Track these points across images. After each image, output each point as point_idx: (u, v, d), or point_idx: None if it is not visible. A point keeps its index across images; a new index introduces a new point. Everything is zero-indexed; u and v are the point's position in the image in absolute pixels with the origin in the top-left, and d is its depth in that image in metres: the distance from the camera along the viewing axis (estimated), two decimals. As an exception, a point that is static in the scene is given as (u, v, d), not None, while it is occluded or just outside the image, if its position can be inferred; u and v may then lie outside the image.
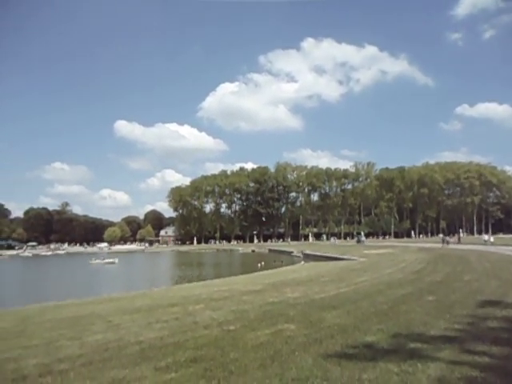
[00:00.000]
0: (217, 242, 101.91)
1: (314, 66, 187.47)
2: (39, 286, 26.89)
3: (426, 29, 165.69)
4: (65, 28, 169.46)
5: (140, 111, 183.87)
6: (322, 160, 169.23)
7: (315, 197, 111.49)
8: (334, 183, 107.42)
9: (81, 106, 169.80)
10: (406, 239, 77.82)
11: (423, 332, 5.32)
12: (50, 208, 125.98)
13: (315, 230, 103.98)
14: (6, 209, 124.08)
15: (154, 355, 4.70)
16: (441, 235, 54.39)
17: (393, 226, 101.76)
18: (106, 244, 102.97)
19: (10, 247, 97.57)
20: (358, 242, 56.39)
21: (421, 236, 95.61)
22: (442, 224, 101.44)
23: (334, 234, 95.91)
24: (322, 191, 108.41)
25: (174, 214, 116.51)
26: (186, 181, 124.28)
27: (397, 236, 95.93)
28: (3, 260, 64.95)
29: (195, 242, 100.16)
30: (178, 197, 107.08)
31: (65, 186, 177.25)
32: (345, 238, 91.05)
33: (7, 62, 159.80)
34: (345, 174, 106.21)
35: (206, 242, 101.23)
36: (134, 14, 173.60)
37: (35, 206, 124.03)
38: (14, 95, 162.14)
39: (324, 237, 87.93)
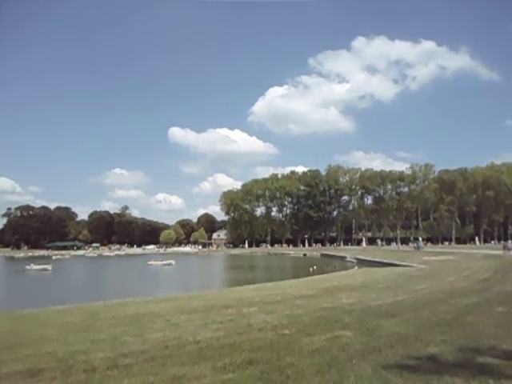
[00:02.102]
0: (268, 245, 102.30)
1: (366, 66, 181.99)
2: (105, 284, 28.71)
3: (489, 19, 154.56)
4: (120, 37, 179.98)
5: (192, 117, 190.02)
6: (376, 162, 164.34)
7: (369, 200, 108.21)
8: (389, 186, 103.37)
9: (138, 115, 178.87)
10: (469, 245, 72.83)
11: (494, 346, 4.93)
12: (111, 211, 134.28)
13: (369, 234, 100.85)
14: (73, 212, 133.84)
15: (211, 355, 4.81)
16: (503, 242, 50.46)
17: (454, 232, 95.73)
18: (152, 246, 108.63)
19: (77, 248, 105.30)
20: (416, 247, 53.74)
21: (486, 242, 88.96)
22: (511, 229, 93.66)
23: (389, 239, 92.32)
24: (376, 194, 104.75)
25: (225, 218, 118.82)
26: (236, 185, 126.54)
27: (459, 242, 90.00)
28: (67, 259, 69.79)
29: (247, 245, 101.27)
30: (229, 200, 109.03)
31: (124, 191, 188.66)
32: (401, 244, 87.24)
33: (72, 70, 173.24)
34: (400, 177, 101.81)
35: (258, 246, 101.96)
36: (185, 21, 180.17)
37: (98, 210, 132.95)
38: (79, 107, 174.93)
39: (378, 242, 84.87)
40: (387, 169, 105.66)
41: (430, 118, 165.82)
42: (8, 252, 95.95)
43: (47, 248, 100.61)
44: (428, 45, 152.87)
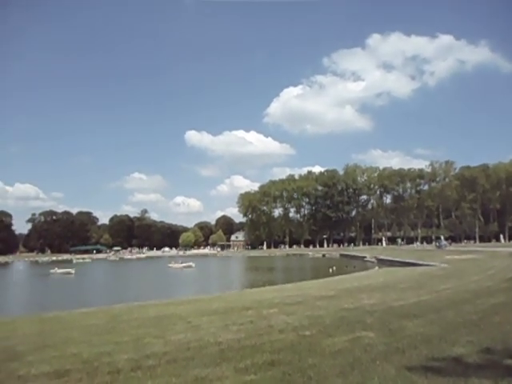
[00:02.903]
0: (286, 246, 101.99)
1: (382, 63, 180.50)
2: (127, 287, 29.19)
3: (509, 10, 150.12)
4: (135, 45, 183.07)
5: (208, 121, 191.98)
6: (394, 160, 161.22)
7: (388, 199, 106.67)
8: (409, 184, 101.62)
9: (155, 121, 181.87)
10: (493, 243, 70.84)
11: (523, 347, 4.78)
12: (131, 215, 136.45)
13: (389, 234, 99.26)
14: (95, 216, 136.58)
15: (232, 356, 4.82)
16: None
17: (477, 230, 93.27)
18: (167, 248, 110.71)
19: (98, 251, 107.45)
20: (438, 246, 52.63)
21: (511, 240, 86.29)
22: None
23: (409, 239, 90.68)
24: (396, 193, 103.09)
25: (243, 219, 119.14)
26: (253, 186, 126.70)
27: (482, 240, 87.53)
28: (89, 263, 71.18)
29: (265, 246, 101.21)
30: (246, 202, 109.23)
31: (143, 195, 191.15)
32: (422, 243, 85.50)
33: (90, 80, 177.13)
34: (420, 174, 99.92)
35: (276, 247, 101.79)
36: (198, 24, 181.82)
37: (118, 214, 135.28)
38: (99, 116, 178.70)
39: (399, 241, 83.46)
40: (406, 167, 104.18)
41: (449, 114, 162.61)
42: (33, 256, 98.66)
43: (70, 252, 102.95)
44: (446, 39, 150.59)
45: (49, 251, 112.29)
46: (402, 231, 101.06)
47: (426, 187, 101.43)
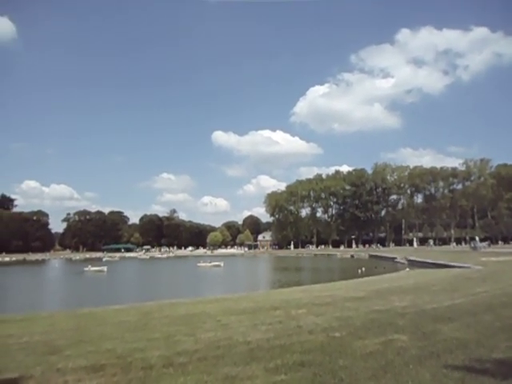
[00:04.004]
0: (314, 246, 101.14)
1: (412, 59, 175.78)
2: (157, 285, 29.87)
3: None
4: (163, 51, 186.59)
5: (234, 121, 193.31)
6: (425, 159, 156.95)
7: (419, 199, 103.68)
8: (441, 183, 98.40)
9: (182, 121, 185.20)
10: (533, 245, 67.46)
11: None
12: (160, 214, 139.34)
13: (420, 234, 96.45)
14: (125, 216, 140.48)
15: (262, 356, 4.83)
16: None
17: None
18: (191, 248, 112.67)
19: (129, 250, 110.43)
20: (473, 247, 50.65)
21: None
22: None
23: (442, 239, 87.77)
24: (427, 192, 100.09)
25: (270, 219, 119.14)
26: (280, 186, 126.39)
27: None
28: (120, 261, 73.06)
29: (292, 246, 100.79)
30: (273, 202, 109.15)
31: (172, 195, 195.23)
32: (456, 244, 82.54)
33: (122, 84, 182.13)
34: (453, 173, 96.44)
35: (303, 247, 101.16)
36: (225, 24, 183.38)
37: (148, 213, 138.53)
38: (130, 118, 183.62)
39: (430, 242, 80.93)
40: (438, 165, 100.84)
41: (484, 110, 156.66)
42: (67, 254, 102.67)
43: (102, 250, 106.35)
44: (480, 32, 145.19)
45: (83, 249, 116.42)
46: (433, 232, 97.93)
47: (459, 186, 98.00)
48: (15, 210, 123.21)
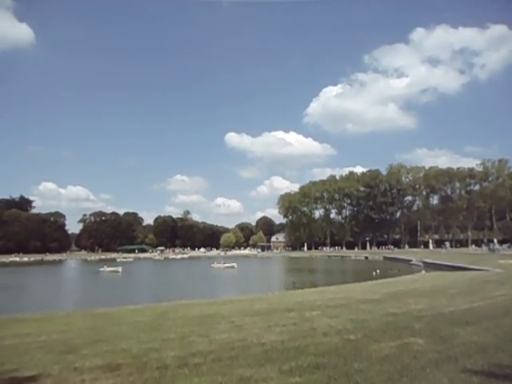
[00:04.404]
0: (327, 248, 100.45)
1: (427, 58, 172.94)
2: (171, 286, 30.11)
3: None
4: (180, 55, 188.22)
5: (247, 122, 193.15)
6: (441, 159, 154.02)
7: (435, 200, 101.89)
8: (458, 184, 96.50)
9: (195, 123, 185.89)
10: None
11: None
12: (174, 216, 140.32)
13: (436, 236, 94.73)
14: (140, 217, 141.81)
15: (276, 357, 4.82)
16: None
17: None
18: (203, 249, 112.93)
19: (143, 251, 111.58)
20: (491, 250, 49.61)
21: None
22: None
23: (459, 241, 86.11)
24: (443, 194, 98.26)
25: (283, 220, 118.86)
26: (293, 187, 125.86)
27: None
28: (135, 262, 73.86)
29: (305, 248, 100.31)
30: (287, 203, 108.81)
31: (185, 196, 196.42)
32: (480, 246, 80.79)
33: (138, 88, 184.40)
34: (470, 174, 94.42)
35: (317, 248, 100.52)
36: (237, 25, 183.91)
37: (162, 215, 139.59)
38: (144, 121, 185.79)
39: (447, 244, 79.43)
40: (455, 166, 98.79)
41: (502, 109, 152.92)
42: (84, 255, 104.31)
43: (117, 251, 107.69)
44: (498, 29, 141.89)
45: (99, 250, 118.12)
46: (450, 234, 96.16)
47: (476, 187, 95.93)
48: (33, 211, 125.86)
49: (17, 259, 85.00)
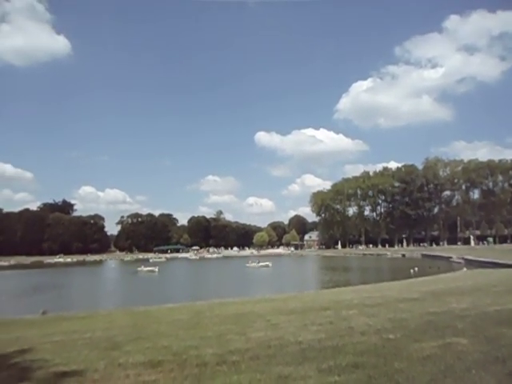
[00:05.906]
0: (362, 246, 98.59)
1: (463, 46, 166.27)
2: (207, 285, 30.67)
3: None
4: (208, 57, 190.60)
5: (277, 121, 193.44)
6: (481, 151, 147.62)
7: (475, 194, 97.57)
8: (500, 177, 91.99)
9: (226, 124, 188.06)
10: None
11: None
12: (207, 216, 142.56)
13: (477, 232, 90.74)
14: (175, 218, 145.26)
15: (314, 356, 4.79)
16: None
17: None
18: (236, 249, 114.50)
19: (177, 251, 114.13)
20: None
21: None
22: None
23: (503, 237, 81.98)
24: (484, 187, 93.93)
25: (316, 219, 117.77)
26: (325, 185, 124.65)
27: None
28: (168, 262, 75.53)
29: (339, 246, 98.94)
30: (319, 201, 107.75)
31: (218, 196, 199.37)
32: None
33: (172, 90, 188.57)
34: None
35: (351, 246, 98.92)
36: (265, 24, 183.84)
37: (195, 215, 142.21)
38: (177, 124, 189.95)
39: (490, 240, 75.84)
40: (496, 158, 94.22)
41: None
42: (122, 256, 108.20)
43: (154, 251, 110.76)
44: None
45: (136, 250, 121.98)
46: (493, 229, 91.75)
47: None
48: (75, 214, 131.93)
49: (61, 260, 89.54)
